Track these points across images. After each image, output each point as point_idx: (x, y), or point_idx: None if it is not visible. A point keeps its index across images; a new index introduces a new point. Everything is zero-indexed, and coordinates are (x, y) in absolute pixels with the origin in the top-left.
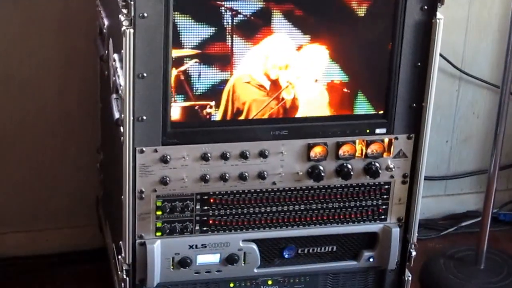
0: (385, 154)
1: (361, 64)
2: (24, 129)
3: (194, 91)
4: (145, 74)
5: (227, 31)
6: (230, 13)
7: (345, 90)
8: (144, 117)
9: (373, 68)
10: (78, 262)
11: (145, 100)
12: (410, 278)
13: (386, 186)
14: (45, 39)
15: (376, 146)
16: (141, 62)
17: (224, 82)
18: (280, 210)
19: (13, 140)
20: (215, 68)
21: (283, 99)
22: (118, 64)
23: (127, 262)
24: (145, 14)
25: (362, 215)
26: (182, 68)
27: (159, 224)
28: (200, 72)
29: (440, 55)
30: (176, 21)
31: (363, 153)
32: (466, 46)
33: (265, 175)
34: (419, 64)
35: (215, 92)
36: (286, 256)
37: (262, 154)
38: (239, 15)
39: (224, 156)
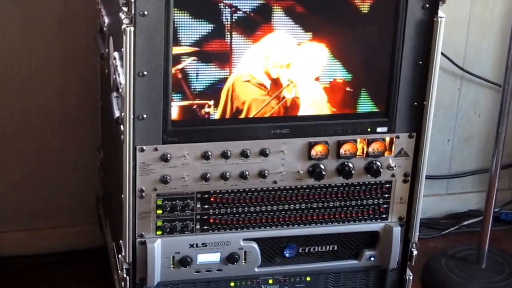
0: (386, 153)
1: (363, 62)
2: (24, 127)
3: (192, 89)
4: (145, 72)
5: (226, 28)
6: (229, 9)
7: (347, 88)
8: (145, 116)
9: (374, 67)
10: (78, 261)
11: (146, 99)
12: (411, 278)
13: (387, 185)
14: (45, 38)
15: (377, 144)
16: (141, 60)
17: (223, 81)
18: (281, 209)
19: (13, 139)
20: (214, 66)
21: (284, 98)
22: (118, 62)
23: (127, 261)
24: (146, 12)
25: (363, 214)
26: (179, 66)
27: (159, 223)
28: (198, 70)
29: (442, 53)
30: (174, 18)
31: (364, 152)
32: (468, 45)
33: (266, 174)
34: (421, 62)
35: (213, 91)
36: (287, 255)
37: (263, 153)
38: (238, 12)
39: (224, 155)
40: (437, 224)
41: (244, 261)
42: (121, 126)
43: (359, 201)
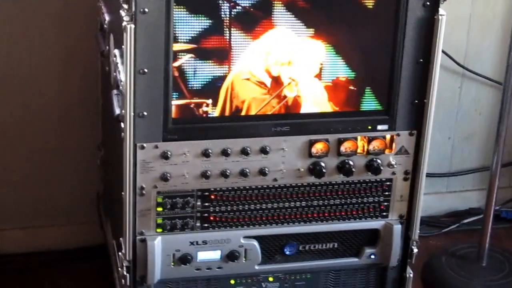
0: (387, 151)
1: (364, 60)
2: (25, 125)
3: (190, 88)
4: (145, 70)
5: (225, 24)
6: (228, 4)
7: (350, 86)
8: (145, 113)
9: (375, 64)
10: (79, 259)
11: (146, 96)
12: (411, 275)
13: (388, 183)
14: (46, 36)
15: (378, 142)
16: (141, 58)
17: (222, 79)
18: (281, 207)
19: (13, 137)
20: (212, 64)
21: (285, 97)
22: (118, 60)
23: (127, 258)
24: (146, 10)
25: (364, 212)
26: (176, 64)
27: (159, 221)
28: (196, 68)
29: (443, 51)
30: (174, 14)
31: (365, 150)
32: (469, 43)
33: (266, 172)
34: (422, 60)
35: (212, 89)
36: (287, 253)
37: (263, 151)
38: (237, 7)
39: (225, 152)
40: (438, 222)
41: (244, 259)
42: (122, 124)
43: (359, 199)
